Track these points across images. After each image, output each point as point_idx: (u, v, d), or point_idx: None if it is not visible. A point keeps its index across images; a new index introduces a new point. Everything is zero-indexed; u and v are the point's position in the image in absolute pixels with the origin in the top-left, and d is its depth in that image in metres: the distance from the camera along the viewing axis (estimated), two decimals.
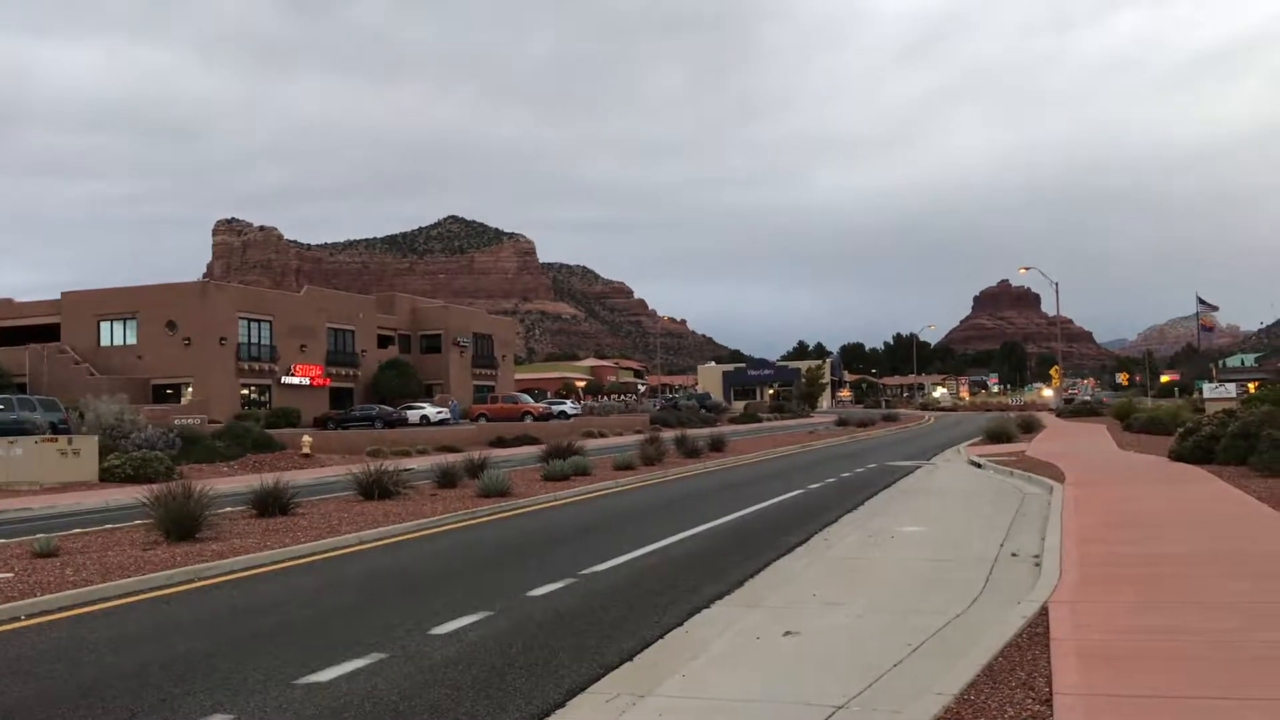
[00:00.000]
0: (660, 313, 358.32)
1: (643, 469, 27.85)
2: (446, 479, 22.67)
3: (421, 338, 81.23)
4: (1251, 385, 55.36)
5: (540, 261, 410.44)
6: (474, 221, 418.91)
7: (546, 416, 64.76)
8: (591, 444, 42.62)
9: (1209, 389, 50.78)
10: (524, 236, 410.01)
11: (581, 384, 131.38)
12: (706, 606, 9.91)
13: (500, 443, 46.98)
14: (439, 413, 62.32)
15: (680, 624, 9.17)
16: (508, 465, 28.55)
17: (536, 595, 10.56)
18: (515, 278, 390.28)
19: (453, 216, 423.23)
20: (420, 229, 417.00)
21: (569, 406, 72.51)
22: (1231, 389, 49.15)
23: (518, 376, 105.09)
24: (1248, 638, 7.39)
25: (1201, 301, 57.68)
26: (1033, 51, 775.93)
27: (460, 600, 10.34)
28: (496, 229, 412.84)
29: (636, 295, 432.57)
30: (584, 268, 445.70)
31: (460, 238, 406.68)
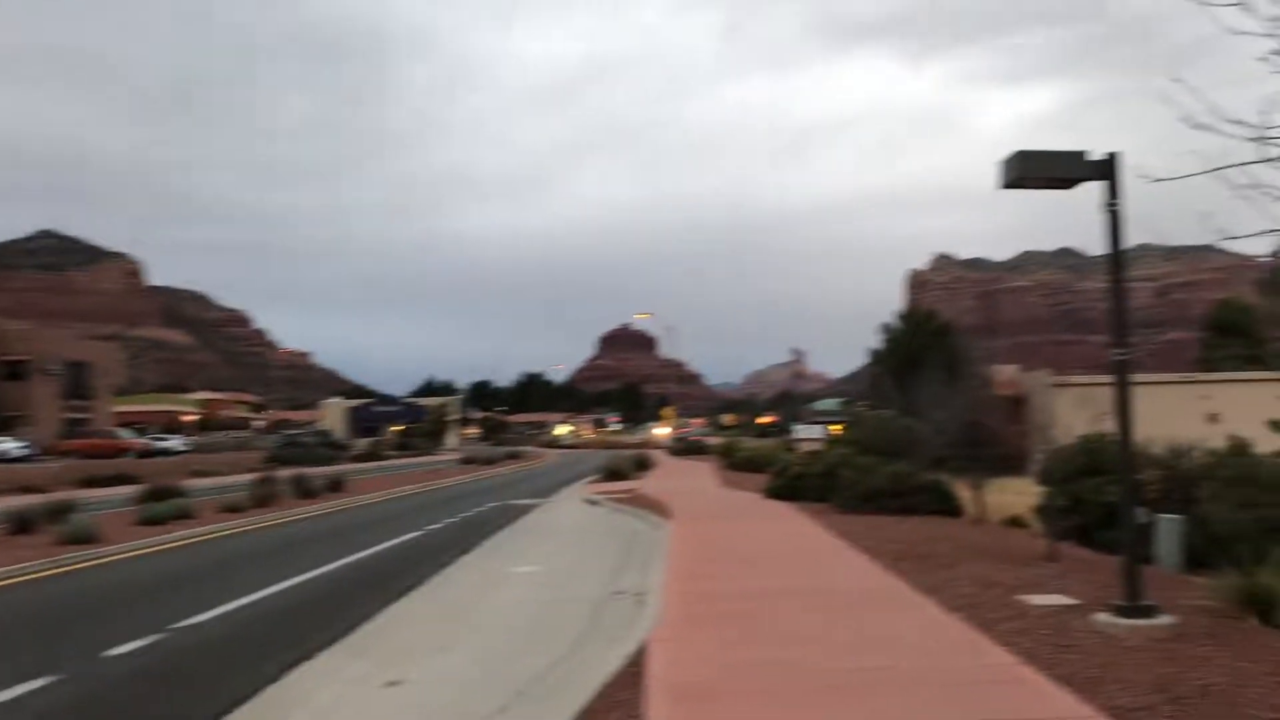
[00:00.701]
0: (283, 344, 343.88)
1: (254, 511, 26.42)
2: (22, 524, 20.37)
3: (2, 364, 72.76)
4: (836, 427, 61.28)
5: (149, 284, 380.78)
6: (73, 238, 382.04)
7: (149, 453, 60.01)
8: (199, 484, 39.95)
9: (800, 430, 55.57)
10: (131, 256, 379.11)
11: (192, 418, 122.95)
12: (310, 657, 9.51)
13: (93, 482, 42.95)
14: (21, 447, 56.02)
15: (279, 677, 8.73)
16: (100, 507, 26.13)
17: (118, 654, 9.67)
18: (120, 300, 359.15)
19: (46, 231, 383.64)
20: (11, 242, 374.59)
21: (176, 442, 67.60)
22: (818, 430, 54.05)
23: (120, 409, 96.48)
24: (821, 668, 8.08)
25: (795, 350, 63.27)
26: (660, 110, 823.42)
27: (25, 664, 9.26)
28: (99, 247, 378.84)
29: (257, 324, 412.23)
30: (199, 293, 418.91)
31: (56, 254, 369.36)
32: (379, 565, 16.31)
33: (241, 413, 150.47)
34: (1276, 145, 6.35)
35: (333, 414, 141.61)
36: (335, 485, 34.85)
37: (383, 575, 15.02)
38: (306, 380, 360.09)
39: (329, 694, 8.25)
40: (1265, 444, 15.43)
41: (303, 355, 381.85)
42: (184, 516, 23.55)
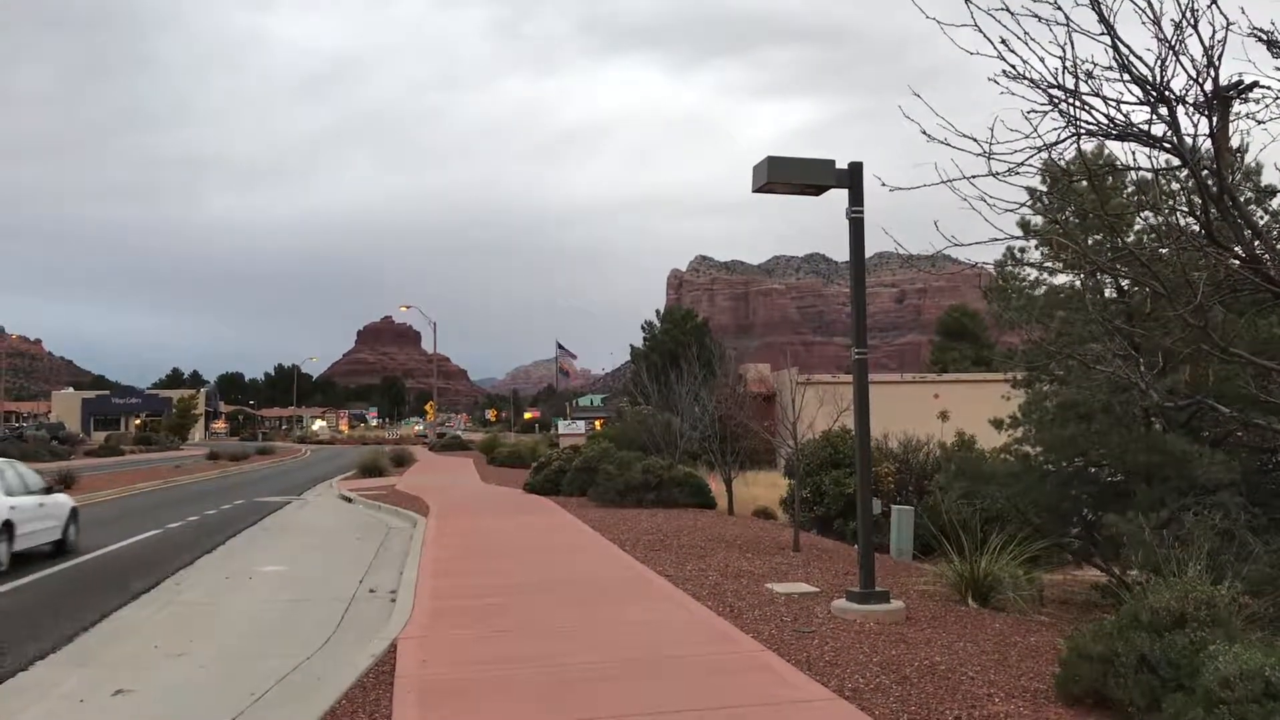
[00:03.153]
0: (9, 330, 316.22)
1: None
2: None
3: None
4: (598, 423, 62.00)
5: None
6: None
7: None
8: None
9: (563, 426, 55.89)
10: None
11: None
12: (25, 669, 8.75)
13: None
14: None
15: None
16: None
17: None
18: None
19: None
20: None
21: None
22: (581, 426, 54.53)
23: None
24: (573, 660, 8.10)
25: (560, 347, 63.53)
26: (424, 104, 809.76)
27: None
28: None
29: None
30: None
31: None
32: (110, 566, 15.22)
33: None
34: (1001, 160, 6.81)
35: (65, 406, 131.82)
36: (66, 481, 32.21)
37: (115, 577, 14.01)
38: (37, 369, 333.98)
39: (44, 708, 7.61)
40: (988, 440, 16.64)
41: (34, 343, 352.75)
42: None
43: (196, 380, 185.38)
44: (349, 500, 27.74)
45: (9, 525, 14.63)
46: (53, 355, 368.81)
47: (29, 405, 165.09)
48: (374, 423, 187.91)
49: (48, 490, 17.34)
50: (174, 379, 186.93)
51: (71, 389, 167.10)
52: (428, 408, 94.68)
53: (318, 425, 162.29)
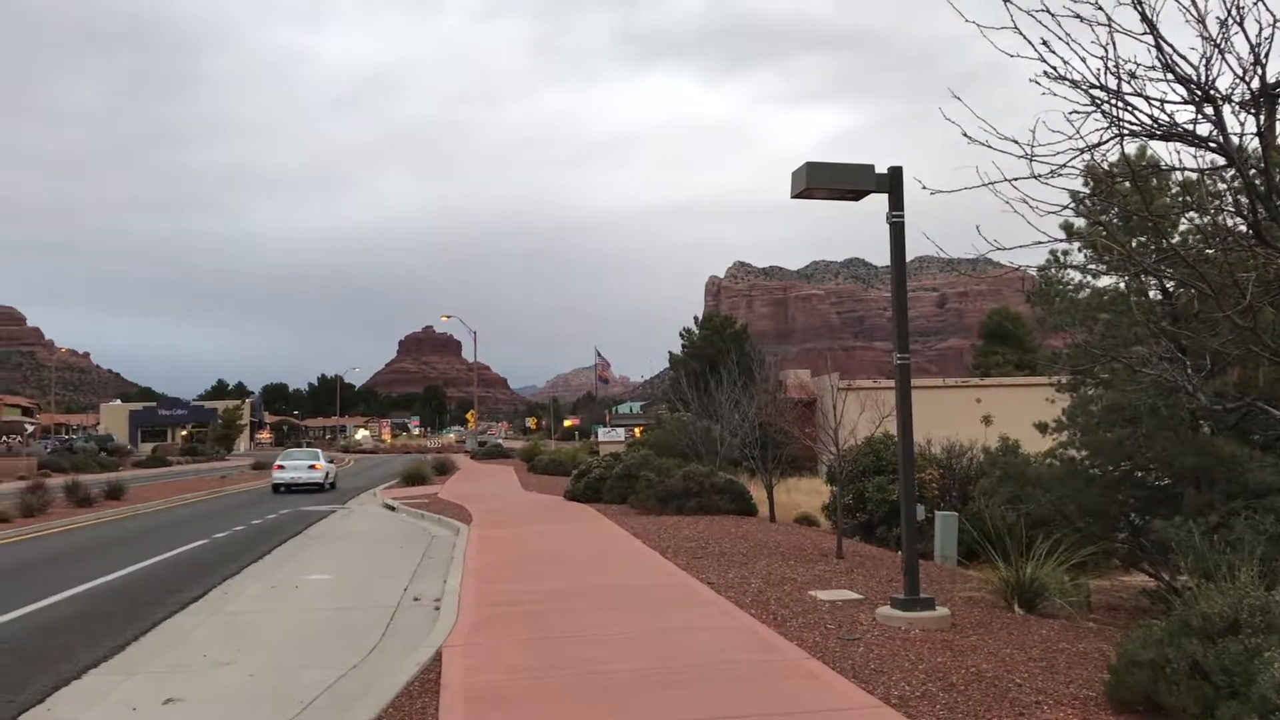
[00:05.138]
0: (59, 343, 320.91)
1: (20, 521, 24.62)
2: None
3: None
4: (638, 430, 62.03)
5: None
6: None
7: None
8: None
9: (603, 433, 55.99)
10: None
11: None
12: (78, 677, 8.89)
13: None
14: None
15: (41, 700, 8.12)
16: None
17: None
18: None
19: None
20: None
21: None
22: (621, 433, 54.61)
23: None
24: (617, 668, 8.11)
25: (599, 355, 63.66)
26: (463, 116, 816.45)
27: None
28: None
29: (30, 323, 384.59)
30: None
31: None
32: (159, 576, 15.43)
33: (11, 416, 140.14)
34: (1043, 162, 6.76)
35: (113, 417, 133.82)
36: (115, 492, 32.81)
37: (163, 587, 14.21)
38: (86, 383, 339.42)
39: (97, 715, 7.73)
40: (1032, 444, 16.46)
41: (82, 356, 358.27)
42: None
43: (241, 391, 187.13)
44: (392, 509, 27.94)
45: (328, 474, 40.37)
46: (100, 368, 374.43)
47: (78, 417, 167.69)
48: (416, 431, 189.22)
49: (330, 460, 42.37)
50: (219, 390, 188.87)
51: (119, 401, 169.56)
52: (469, 416, 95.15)
53: (361, 434, 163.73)
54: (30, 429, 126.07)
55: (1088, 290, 14.60)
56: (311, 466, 39.96)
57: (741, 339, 63.28)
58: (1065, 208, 7.93)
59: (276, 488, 38.75)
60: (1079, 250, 13.89)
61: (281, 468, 39.85)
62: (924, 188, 7.49)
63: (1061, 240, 12.45)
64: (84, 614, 12.16)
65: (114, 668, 9.33)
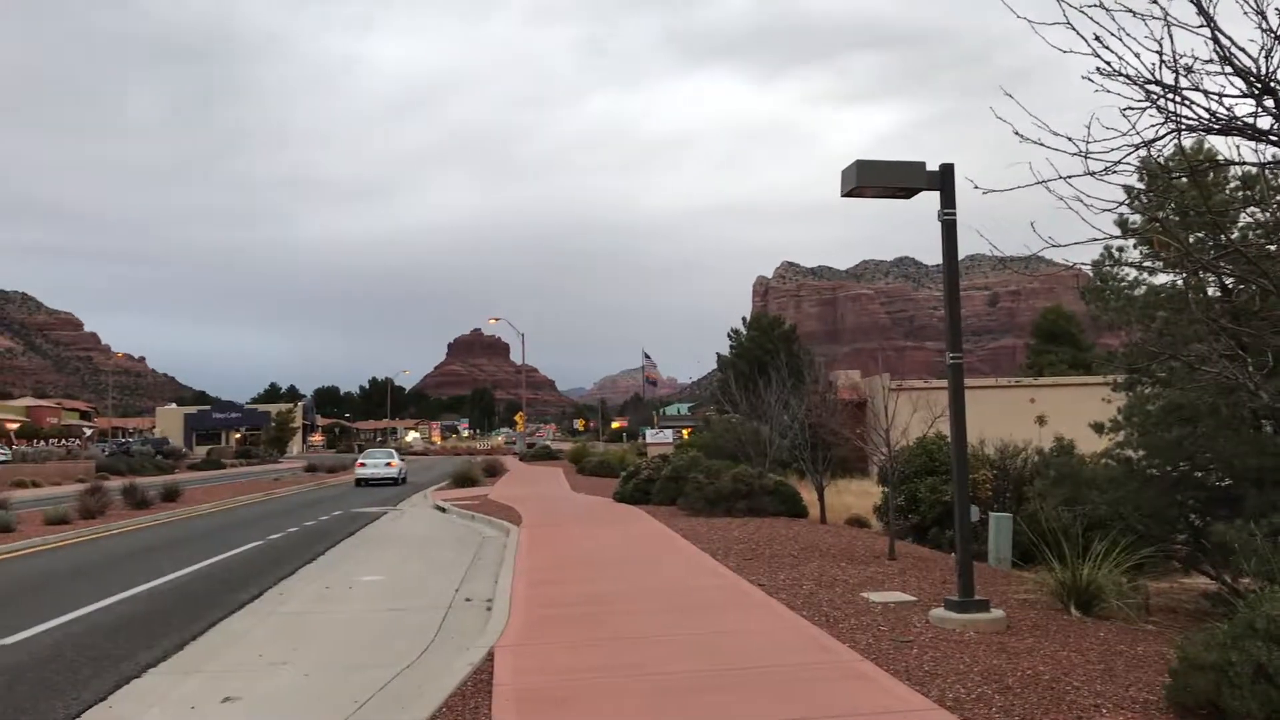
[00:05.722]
0: (116, 348, 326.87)
1: (81, 523, 25.09)
2: None
3: None
4: (686, 431, 61.97)
5: None
6: None
7: None
8: (21, 495, 37.76)
9: (651, 435, 55.97)
10: None
11: (15, 426, 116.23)
12: (138, 676, 9.04)
13: None
14: None
15: (104, 699, 8.27)
16: None
17: None
18: None
19: None
20: None
21: None
22: (669, 435, 54.57)
23: None
24: (669, 669, 8.11)
25: (646, 357, 63.67)
26: (514, 120, 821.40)
27: None
28: None
29: (88, 328, 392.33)
30: (23, 295, 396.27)
31: None
32: (214, 578, 15.66)
33: (70, 420, 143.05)
34: (1097, 159, 6.66)
35: (169, 421, 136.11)
36: (171, 495, 33.37)
37: (219, 588, 14.43)
38: (141, 386, 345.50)
39: (157, 714, 7.86)
40: (1088, 445, 16.23)
41: (138, 360, 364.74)
42: (4, 530, 22.20)
43: (294, 394, 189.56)
44: (443, 510, 28.14)
45: (401, 470, 46.69)
46: (156, 372, 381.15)
47: (134, 421, 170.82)
48: (465, 434, 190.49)
49: (402, 459, 49.10)
50: (272, 393, 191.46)
51: (174, 405, 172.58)
52: (517, 418, 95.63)
53: (411, 437, 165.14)
54: (88, 432, 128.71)
55: (1144, 287, 14.36)
56: (388, 464, 47.17)
57: (790, 339, 63.06)
58: (1120, 204, 7.82)
59: (359, 481, 45.59)
60: (1135, 247, 13.67)
61: (363, 465, 47.11)
62: (976, 187, 7.41)
63: (1117, 237, 12.25)
64: (143, 614, 12.37)
65: (173, 667, 9.49)
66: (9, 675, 9.13)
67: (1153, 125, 6.57)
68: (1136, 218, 12.17)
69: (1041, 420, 29.17)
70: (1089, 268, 14.21)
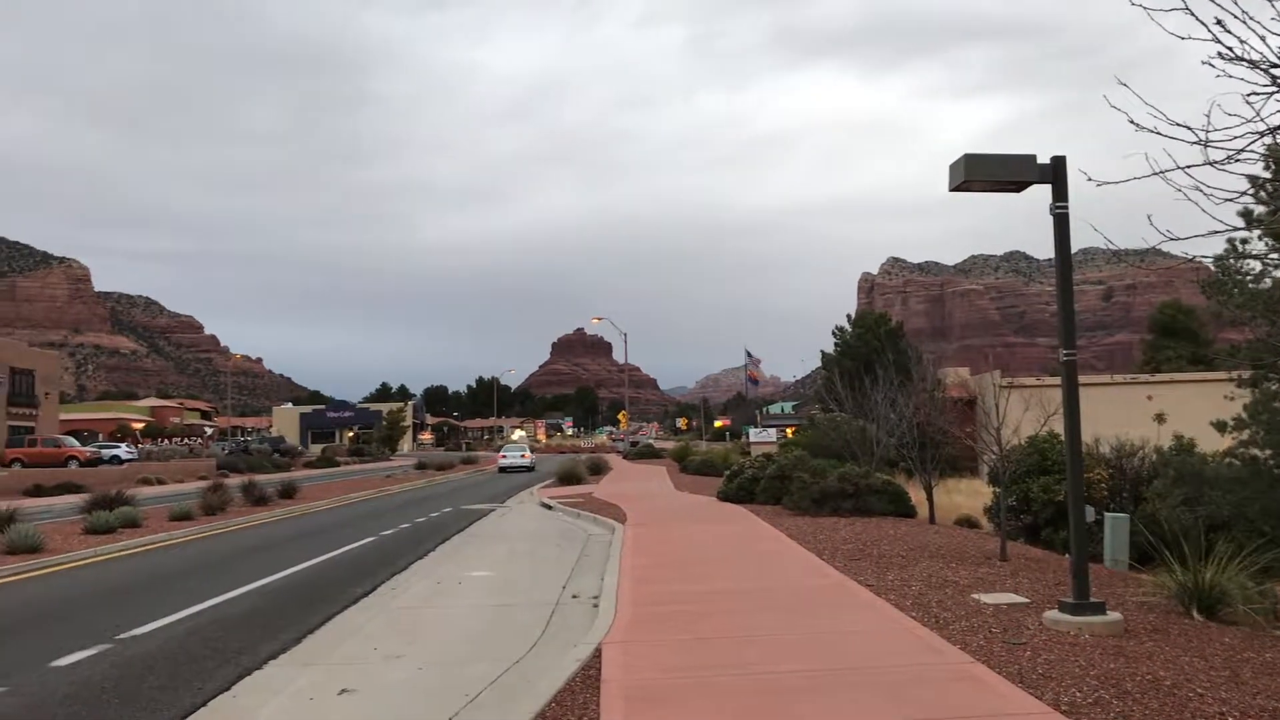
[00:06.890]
0: (234, 350, 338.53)
1: (203, 519, 26.05)
2: None
3: None
4: (789, 430, 61.55)
5: (96, 290, 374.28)
6: (18, 242, 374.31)
7: (96, 461, 59.03)
8: (147, 492, 39.41)
9: (754, 434, 55.73)
10: (77, 262, 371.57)
11: (140, 426, 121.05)
12: (259, 668, 9.37)
13: (38, 491, 42.21)
14: None
15: (228, 688, 8.59)
16: (43, 517, 25.66)
17: (62, 665, 9.48)
18: (66, 307, 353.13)
19: None
20: None
21: (123, 451, 66.57)
22: (772, 434, 54.26)
23: (66, 417, 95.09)
24: (775, 669, 8.08)
25: (749, 354, 63.44)
26: (620, 122, 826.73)
27: None
28: (45, 252, 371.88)
29: (207, 331, 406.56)
30: (147, 299, 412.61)
31: (1, 259, 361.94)
32: (330, 573, 16.12)
33: (191, 419, 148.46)
34: (1218, 147, 6.44)
35: (285, 420, 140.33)
36: (287, 492, 34.45)
37: (334, 583, 14.84)
38: (258, 387, 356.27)
39: (278, 704, 8.13)
40: (1209, 443, 15.69)
41: (255, 361, 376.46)
42: (131, 525, 23.17)
43: (404, 394, 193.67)
44: (549, 508, 28.46)
45: (533, 461, 61.66)
46: (272, 373, 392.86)
47: (252, 420, 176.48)
48: (569, 432, 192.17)
49: (530, 449, 66.67)
50: (383, 393, 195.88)
51: (290, 404, 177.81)
52: (620, 416, 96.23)
53: (517, 435, 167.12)
54: (209, 431, 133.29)
55: (1269, 281, 13.82)
56: (523, 455, 62.00)
57: (896, 336, 62.12)
58: (1244, 194, 7.53)
59: (502, 469, 59.08)
60: (1259, 239, 13.17)
61: (504, 456, 61.94)
62: (1089, 179, 7.23)
63: (1240, 229, 11.84)
64: (264, 608, 12.79)
65: (292, 659, 9.80)
66: (143, 663, 9.55)
67: (1278, 112, 6.34)
68: (1261, 209, 11.72)
69: (1160, 418, 28.26)
70: (1209, 261, 13.74)
